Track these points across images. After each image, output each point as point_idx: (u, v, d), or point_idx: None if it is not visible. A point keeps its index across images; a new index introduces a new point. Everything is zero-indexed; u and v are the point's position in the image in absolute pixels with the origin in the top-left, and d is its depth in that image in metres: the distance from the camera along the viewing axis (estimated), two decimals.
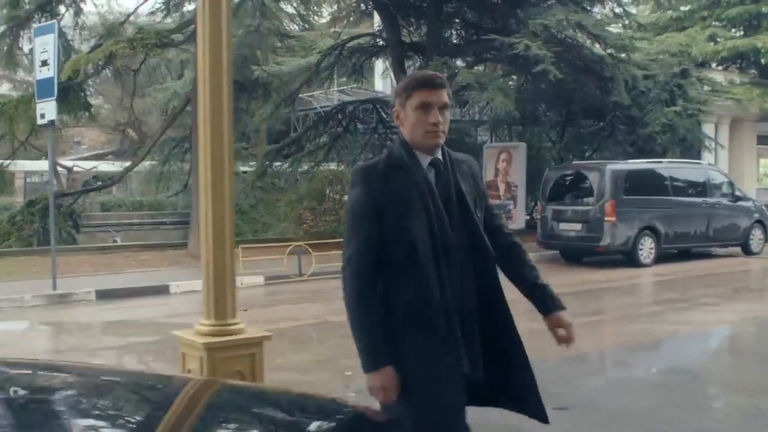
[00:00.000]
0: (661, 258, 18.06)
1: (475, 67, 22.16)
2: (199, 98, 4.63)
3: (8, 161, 22.59)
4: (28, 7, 19.57)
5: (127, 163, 26.54)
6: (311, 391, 3.04)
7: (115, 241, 28.82)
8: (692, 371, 8.28)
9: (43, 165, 31.90)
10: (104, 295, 14.03)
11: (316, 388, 7.68)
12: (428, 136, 3.35)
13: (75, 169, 36.87)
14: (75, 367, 3.40)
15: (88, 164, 38.97)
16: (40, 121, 14.03)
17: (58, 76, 14.46)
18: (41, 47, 13.59)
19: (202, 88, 4.57)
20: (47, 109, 13.55)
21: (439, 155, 3.43)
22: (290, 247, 14.94)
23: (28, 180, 40.36)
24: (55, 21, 14.32)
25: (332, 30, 28.44)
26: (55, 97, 13.50)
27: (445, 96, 3.37)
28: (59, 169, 35.49)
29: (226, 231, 4.74)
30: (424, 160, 3.40)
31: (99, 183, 26.24)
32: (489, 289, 3.40)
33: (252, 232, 28.04)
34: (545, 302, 3.54)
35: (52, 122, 13.84)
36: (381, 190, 3.32)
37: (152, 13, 22.47)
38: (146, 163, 28.88)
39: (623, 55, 21.38)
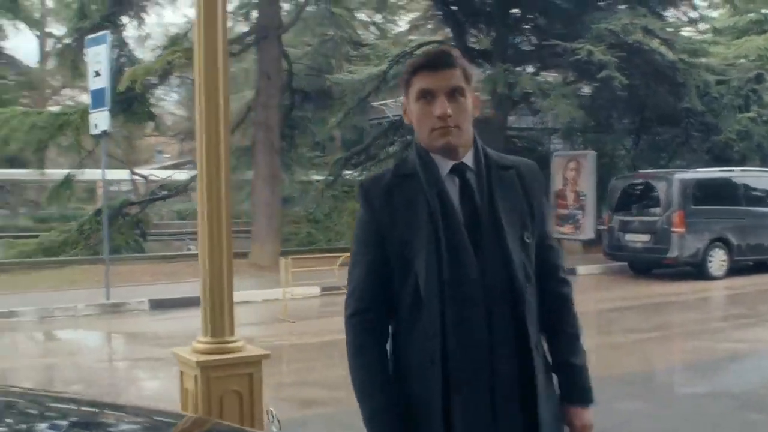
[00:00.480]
0: (734, 270, 17.35)
1: (542, 73, 21.77)
2: (195, 103, 4.46)
3: (76, 171, 22.85)
4: (94, 17, 19.86)
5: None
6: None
7: (189, 249, 29.06)
8: (742, 396, 7.77)
9: (122, 174, 32.48)
10: (158, 305, 14.03)
11: (340, 406, 7.49)
12: (435, 134, 2.53)
13: (151, 177, 37.40)
14: (59, 398, 3.19)
15: (166, 173, 39.50)
16: (93, 131, 14.14)
17: (115, 87, 14.60)
18: (94, 58, 13.72)
19: (198, 92, 4.40)
20: (100, 120, 13.62)
21: (469, 159, 2.60)
22: (341, 258, 14.71)
23: (110, 189, 41.13)
24: (106, 32, 14.36)
25: (408, 38, 28.31)
26: (107, 108, 13.54)
27: (454, 77, 2.54)
28: (136, 178, 36.16)
29: (223, 243, 4.59)
30: (445, 165, 2.58)
31: (164, 192, 26.48)
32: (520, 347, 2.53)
33: (326, 241, 28.00)
34: (570, 388, 2.68)
35: (105, 132, 13.91)
36: (383, 209, 2.56)
37: None
38: None
39: (697, 59, 20.72)
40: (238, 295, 14.09)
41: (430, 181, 2.55)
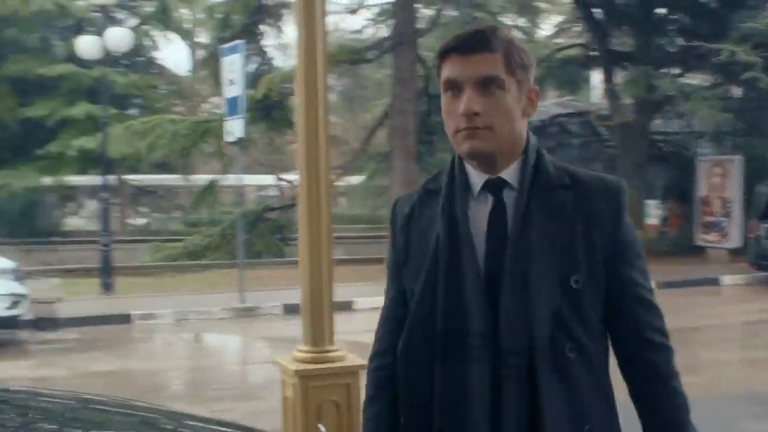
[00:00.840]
0: None
1: (688, 75, 21.09)
2: (297, 109, 4.48)
3: (219, 176, 23.54)
4: (236, 27, 20.45)
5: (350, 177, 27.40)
6: None
7: None
8: None
9: (269, 179, 33.28)
10: (291, 310, 14.13)
11: None
12: (459, 137, 1.94)
13: (296, 183, 38.15)
14: (187, 416, 3.19)
15: None
16: (228, 139, 14.53)
17: (256, 95, 14.92)
18: (229, 66, 14.09)
19: (300, 98, 4.42)
20: (235, 127, 13.98)
21: (511, 173, 1.99)
22: None
23: (260, 194, 42.41)
24: (240, 41, 14.76)
25: (554, 41, 27.94)
26: (242, 115, 13.88)
27: (489, 64, 1.91)
28: (282, 183, 37.06)
29: (322, 250, 4.54)
30: (479, 180, 2.01)
31: None
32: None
33: None
34: None
35: (240, 140, 14.25)
36: (401, 233, 2.09)
37: (356, 31, 22.91)
38: (361, 178, 29.55)
39: None
40: (370, 302, 14.26)
41: (450, 201, 2.00)
